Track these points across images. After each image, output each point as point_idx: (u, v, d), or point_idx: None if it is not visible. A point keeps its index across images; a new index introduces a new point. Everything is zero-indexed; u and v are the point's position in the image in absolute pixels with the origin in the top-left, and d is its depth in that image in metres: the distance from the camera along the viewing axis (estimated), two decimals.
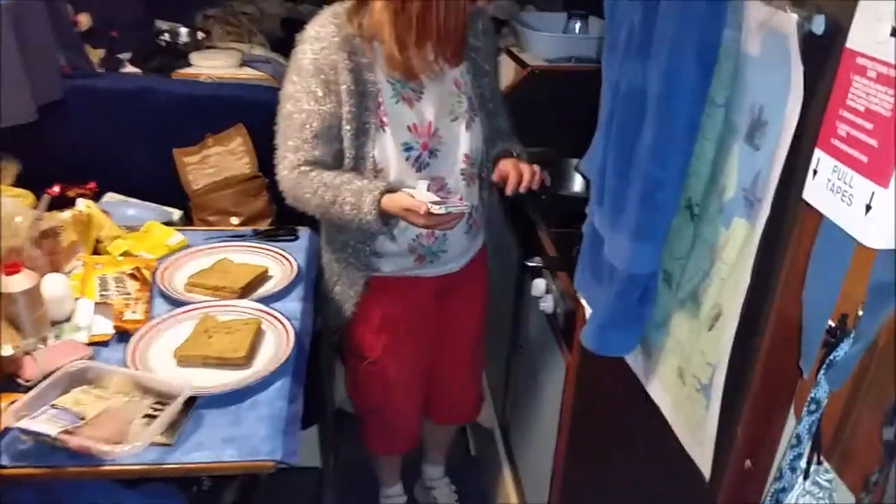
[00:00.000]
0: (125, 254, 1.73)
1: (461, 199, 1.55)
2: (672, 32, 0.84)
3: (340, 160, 1.59)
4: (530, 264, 1.71)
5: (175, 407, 1.25)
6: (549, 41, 2.31)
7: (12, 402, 1.24)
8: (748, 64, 0.84)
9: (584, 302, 1.22)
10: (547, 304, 1.69)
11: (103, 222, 1.73)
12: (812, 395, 0.61)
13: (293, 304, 1.62)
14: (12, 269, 1.40)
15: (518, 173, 1.57)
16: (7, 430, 1.21)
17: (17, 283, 1.39)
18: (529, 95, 2.29)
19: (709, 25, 0.83)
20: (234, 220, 2.20)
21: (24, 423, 1.18)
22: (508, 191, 1.57)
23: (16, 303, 1.39)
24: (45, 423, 1.19)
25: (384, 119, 1.56)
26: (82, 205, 1.81)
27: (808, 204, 0.69)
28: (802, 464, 0.62)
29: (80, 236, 1.69)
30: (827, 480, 0.61)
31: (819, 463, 0.61)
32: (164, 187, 2.24)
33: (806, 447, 0.62)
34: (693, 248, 0.95)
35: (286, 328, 1.49)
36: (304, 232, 1.92)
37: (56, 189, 2.20)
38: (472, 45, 1.65)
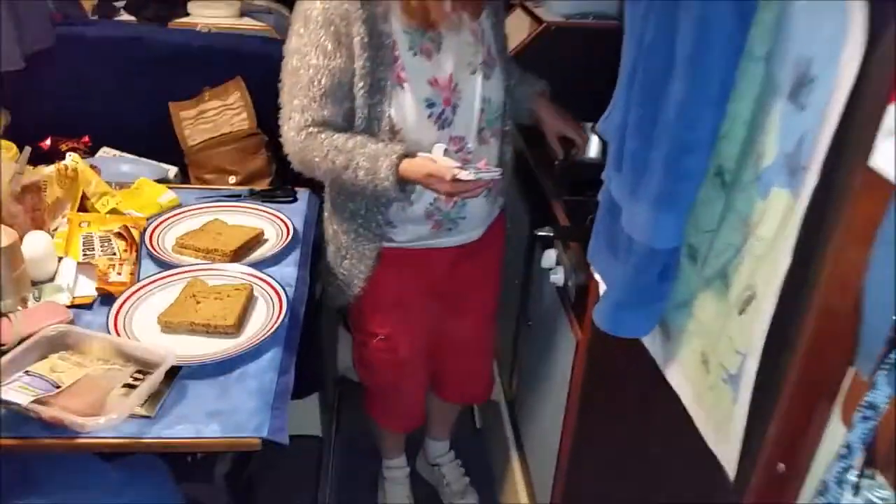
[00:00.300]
0: (113, 211, 1.65)
1: (486, 164, 1.42)
2: None
3: (351, 120, 1.47)
4: (540, 234, 1.61)
5: (156, 377, 1.17)
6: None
7: None
8: (794, 9, 0.73)
9: (597, 276, 1.12)
10: (558, 277, 1.59)
11: (90, 178, 1.64)
12: (868, 398, 0.52)
13: (288, 269, 1.53)
14: None
15: (583, 140, 1.67)
16: None
17: None
18: (544, 54, 2.16)
19: None
20: (232, 179, 2.11)
21: None
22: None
23: None
24: (17, 392, 1.12)
25: (401, 74, 1.44)
26: (69, 159, 1.71)
27: (873, 173, 0.58)
28: (852, 477, 0.53)
29: (66, 192, 1.61)
30: (882, 498, 0.52)
31: (872, 477, 0.52)
32: (160, 142, 2.14)
33: (857, 458, 0.53)
34: (723, 220, 0.85)
35: (279, 295, 1.40)
36: (303, 193, 1.83)
37: (48, 142, 2.13)
38: None
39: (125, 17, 2.26)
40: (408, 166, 1.39)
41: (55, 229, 1.57)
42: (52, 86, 2.08)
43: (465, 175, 1.34)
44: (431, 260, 1.64)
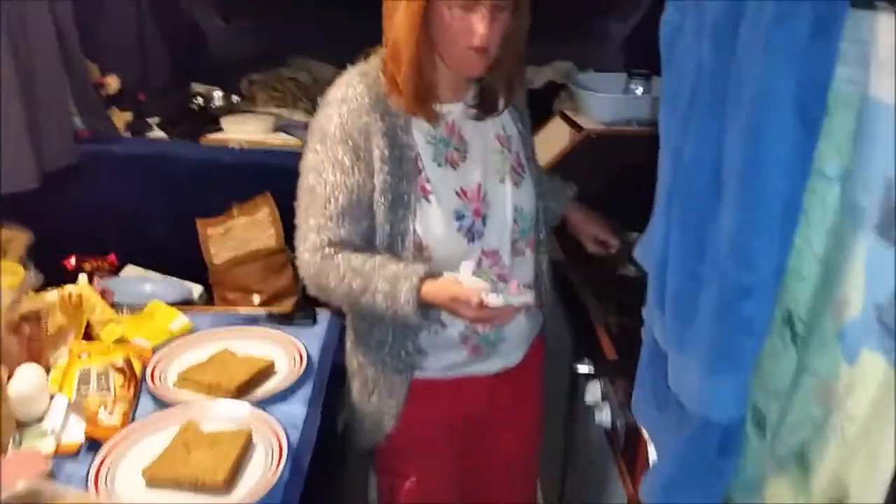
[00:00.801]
0: (119, 340, 1.53)
1: (518, 287, 1.27)
2: (759, 76, 0.58)
3: (371, 240, 1.35)
4: (581, 371, 1.41)
5: None
6: (606, 102, 2.06)
7: None
8: (878, 116, 0.56)
9: (646, 434, 0.92)
10: (603, 417, 1.39)
11: (95, 304, 1.55)
12: None
13: (296, 407, 1.38)
14: None
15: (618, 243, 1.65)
16: None
17: None
18: (585, 161, 2.04)
19: (814, 62, 0.56)
20: (256, 299, 2.00)
21: None
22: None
23: None
24: None
25: (426, 186, 1.33)
26: (80, 281, 1.63)
27: None
28: None
29: (70, 320, 1.51)
30: None
31: None
32: (188, 261, 2.07)
33: None
34: (797, 383, 0.66)
35: (280, 442, 1.24)
36: (323, 316, 1.70)
37: (72, 261, 2.07)
38: (516, 98, 1.45)
39: (158, 133, 2.24)
40: (430, 289, 1.26)
41: (56, 360, 1.46)
42: (78, 203, 2.05)
43: (493, 300, 1.19)
44: (468, 389, 1.47)
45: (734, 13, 0.62)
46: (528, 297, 1.24)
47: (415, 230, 1.33)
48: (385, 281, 1.28)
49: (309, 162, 1.35)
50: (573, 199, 1.68)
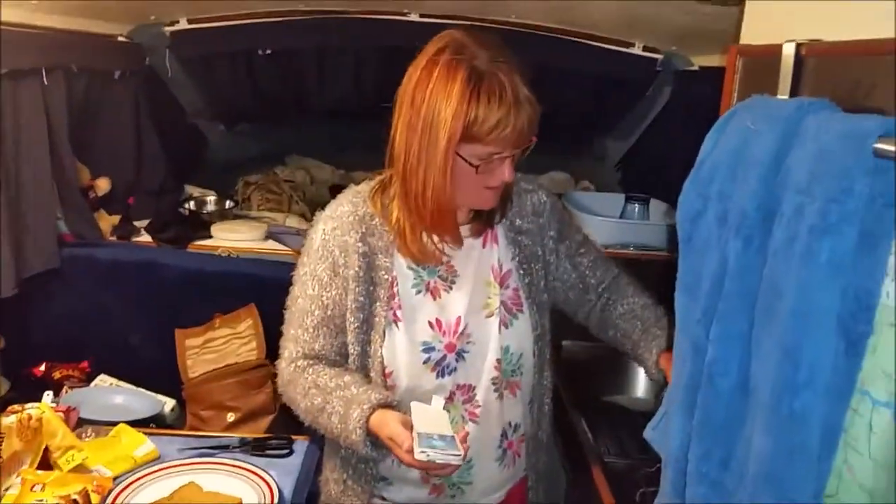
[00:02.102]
0: (79, 468, 1.42)
1: (464, 438, 1.19)
2: (798, 288, 0.52)
3: (347, 357, 1.32)
4: None
5: None
6: (604, 226, 2.04)
7: None
8: None
9: None
10: None
11: (56, 429, 1.44)
12: None
13: None
14: None
15: None
16: None
17: None
18: None
19: (860, 277, 0.50)
20: (231, 417, 1.90)
21: None
22: None
23: None
24: None
25: (398, 313, 1.29)
26: (43, 402, 1.53)
27: None
28: None
29: (26, 446, 1.40)
30: None
31: None
32: (163, 372, 2.00)
33: None
34: None
35: None
36: (300, 444, 1.59)
37: (42, 368, 1.99)
38: (518, 228, 1.37)
39: (145, 238, 2.19)
40: (375, 421, 1.19)
41: (7, 489, 1.34)
42: (55, 308, 1.99)
43: (417, 453, 1.11)
44: None
45: (767, 209, 0.57)
46: (453, 457, 1.13)
47: (382, 355, 1.29)
48: (341, 403, 1.24)
49: (297, 274, 1.36)
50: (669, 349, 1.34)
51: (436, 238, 1.31)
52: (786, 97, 0.71)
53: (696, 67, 2.35)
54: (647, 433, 0.81)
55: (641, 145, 2.69)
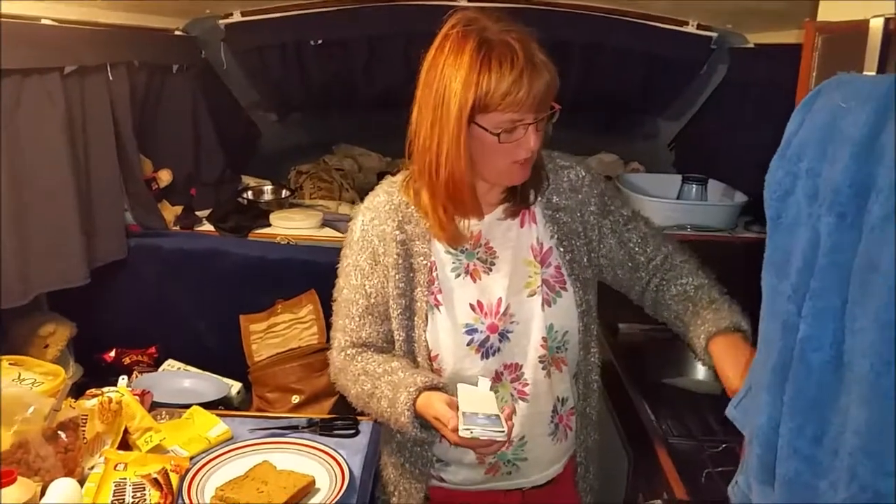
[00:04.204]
0: (156, 448, 1.48)
1: (509, 415, 1.21)
2: (893, 261, 0.52)
3: (394, 343, 1.36)
4: None
5: None
6: (660, 207, 2.02)
7: None
8: None
9: None
10: None
11: (135, 411, 1.50)
12: None
13: None
14: (5, 479, 1.15)
15: None
16: None
17: (8, 497, 1.15)
18: None
19: None
20: (295, 399, 1.95)
21: None
22: None
23: None
24: None
25: (438, 297, 1.32)
26: (120, 383, 1.59)
27: None
28: None
29: (107, 427, 1.46)
30: None
31: None
32: (228, 356, 2.05)
33: None
34: None
35: None
36: (366, 425, 1.62)
37: (112, 354, 2.06)
38: (556, 205, 1.37)
39: (207, 227, 2.25)
40: (422, 403, 1.23)
41: (91, 468, 1.41)
42: (123, 296, 2.05)
43: (462, 431, 1.14)
44: None
45: (861, 185, 0.57)
46: (497, 434, 1.15)
47: (426, 340, 1.32)
48: (389, 387, 1.28)
49: (340, 266, 1.41)
50: (721, 334, 1.27)
51: (459, 217, 1.31)
52: (873, 73, 0.70)
53: (751, 45, 2.30)
54: (730, 411, 0.81)
55: (695, 125, 2.66)
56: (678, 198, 2.12)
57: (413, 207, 1.35)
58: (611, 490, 1.73)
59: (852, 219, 0.59)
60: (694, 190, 2.11)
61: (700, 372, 1.95)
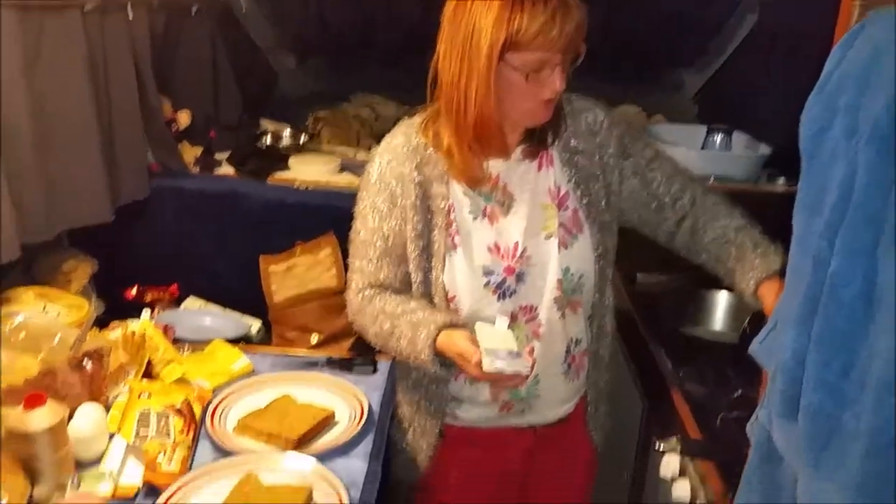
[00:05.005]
0: (179, 380, 1.51)
1: (531, 351, 1.26)
2: None
3: (411, 285, 1.38)
4: (662, 449, 1.33)
5: None
6: (684, 157, 1.98)
7: None
8: None
9: None
10: (681, 493, 1.30)
11: (158, 344, 1.52)
12: None
13: (357, 462, 1.32)
14: (35, 402, 1.18)
15: None
16: None
17: (39, 419, 1.18)
18: None
19: None
20: (314, 339, 1.98)
21: None
22: None
23: (34, 443, 1.17)
24: None
25: (455, 239, 1.33)
26: (143, 316, 1.62)
27: None
28: None
29: (131, 359, 1.49)
30: None
31: None
32: (248, 296, 2.07)
33: None
34: None
35: (342, 502, 1.18)
36: (384, 364, 1.65)
37: (133, 291, 2.08)
38: (573, 148, 1.37)
39: (227, 169, 2.25)
40: (444, 341, 1.26)
41: (115, 397, 1.44)
42: (144, 236, 2.07)
43: (486, 364, 1.17)
44: (503, 441, 1.45)
45: None
46: (522, 367, 1.19)
47: (443, 281, 1.33)
48: (409, 326, 1.30)
49: (357, 209, 1.42)
50: (770, 279, 1.27)
51: (483, 157, 1.31)
52: None
53: None
54: (753, 348, 0.81)
55: (721, 76, 2.61)
56: (702, 148, 2.09)
57: (431, 149, 1.35)
58: (623, 434, 1.75)
59: (890, 154, 0.58)
60: (718, 140, 2.08)
61: (718, 322, 1.95)
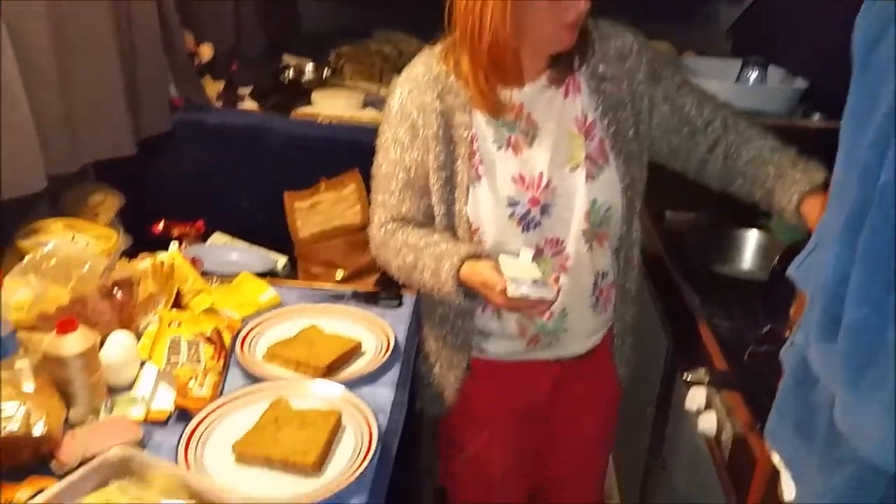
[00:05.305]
0: (208, 310, 1.52)
1: (557, 280, 1.26)
2: None
3: (434, 217, 1.36)
4: (690, 380, 1.33)
5: None
6: (717, 91, 1.91)
7: (36, 494, 1.02)
8: None
9: (778, 461, 0.84)
10: (707, 426, 1.30)
11: (187, 274, 1.53)
12: None
13: (384, 391, 1.34)
14: (67, 327, 1.20)
15: None
16: None
17: (72, 344, 1.20)
18: None
19: None
20: (339, 274, 1.98)
21: None
22: None
23: (67, 367, 1.19)
24: None
25: (479, 169, 1.30)
26: (171, 249, 1.63)
27: None
28: None
29: (160, 288, 1.50)
30: None
31: None
32: (273, 232, 2.07)
33: None
34: None
35: (370, 427, 1.20)
36: (409, 297, 1.65)
37: (160, 226, 2.09)
38: (601, 74, 1.32)
39: (249, 104, 2.23)
40: (468, 271, 1.24)
41: (145, 326, 1.46)
42: (169, 170, 2.07)
43: (512, 290, 1.16)
44: (530, 375, 1.46)
45: None
46: (547, 293, 1.19)
47: (466, 213, 1.31)
48: (432, 258, 1.29)
49: (378, 142, 1.40)
50: (812, 194, 1.23)
51: (501, 86, 1.27)
52: None
53: None
54: (792, 270, 0.79)
55: (756, 8, 2.51)
56: (736, 82, 2.03)
57: (453, 78, 1.31)
58: (648, 369, 1.76)
59: None
60: (753, 74, 2.02)
61: (747, 261, 1.93)
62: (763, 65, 2.03)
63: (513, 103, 1.31)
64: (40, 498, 1.00)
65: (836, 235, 0.67)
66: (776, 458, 0.84)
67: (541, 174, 1.30)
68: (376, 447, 1.15)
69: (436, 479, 2.23)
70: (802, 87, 2.01)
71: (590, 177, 1.31)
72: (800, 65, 2.09)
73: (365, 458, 1.13)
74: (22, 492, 1.04)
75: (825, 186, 1.19)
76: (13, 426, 1.07)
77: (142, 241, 2.04)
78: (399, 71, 2.79)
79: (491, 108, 1.29)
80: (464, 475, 1.61)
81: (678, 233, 1.94)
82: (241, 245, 2.05)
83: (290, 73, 2.44)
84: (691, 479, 1.46)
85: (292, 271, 2.05)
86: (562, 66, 1.30)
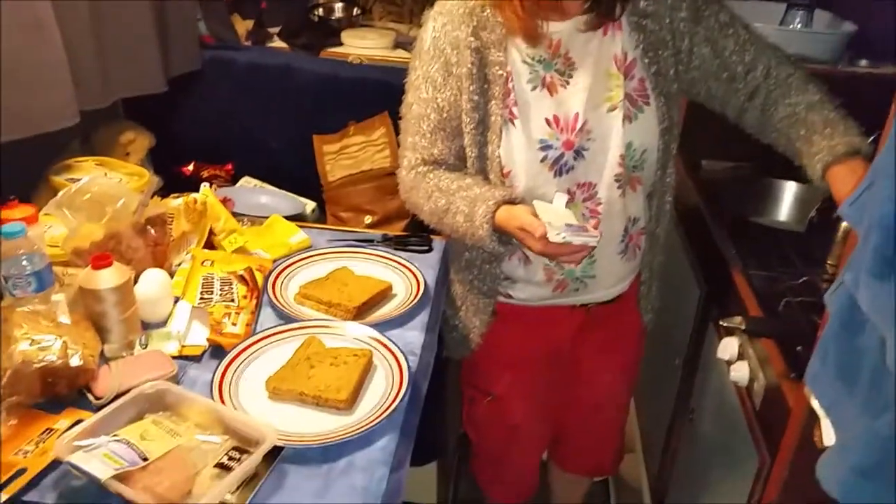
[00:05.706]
0: (240, 250, 1.53)
1: (597, 227, 1.22)
2: None
3: (466, 160, 1.33)
4: (727, 325, 1.31)
5: (252, 461, 1.00)
6: None
7: (74, 424, 1.05)
8: None
9: (818, 406, 0.83)
10: (739, 375, 1.29)
11: (220, 214, 1.54)
12: None
13: (413, 333, 1.34)
14: (102, 261, 1.21)
15: None
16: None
17: (106, 278, 1.21)
18: None
19: None
20: (368, 219, 1.98)
21: (76, 459, 0.98)
22: None
23: (102, 301, 1.21)
24: (99, 462, 0.98)
25: (513, 110, 1.26)
26: (201, 190, 1.63)
27: None
28: None
29: (193, 227, 1.51)
30: None
31: None
32: (302, 175, 2.06)
33: None
34: None
35: (401, 367, 1.21)
36: (438, 243, 1.64)
37: (190, 167, 2.09)
38: (643, 11, 1.26)
39: (278, 43, 2.20)
40: (503, 216, 1.21)
41: (178, 265, 1.47)
42: (199, 110, 2.05)
43: (552, 236, 1.12)
44: (556, 320, 1.45)
45: None
46: (590, 239, 1.15)
47: (499, 155, 1.27)
48: (465, 202, 1.25)
49: (409, 80, 1.35)
50: (842, 160, 1.15)
51: (539, 17, 1.22)
52: None
53: None
54: (844, 210, 0.77)
55: None
56: (780, 25, 1.95)
57: (489, 11, 1.26)
58: (677, 318, 1.74)
59: None
60: (798, 17, 1.94)
61: (783, 212, 1.89)
62: (808, 7, 1.95)
63: (550, 40, 1.26)
64: (77, 429, 1.02)
65: (892, 171, 0.65)
66: (815, 404, 0.83)
67: (576, 115, 1.26)
68: (407, 387, 1.16)
69: (459, 427, 2.27)
70: (850, 30, 1.93)
71: (627, 118, 1.27)
72: (848, 8, 2.01)
73: (396, 397, 1.14)
74: (60, 422, 1.07)
75: (854, 152, 1.14)
76: (51, 357, 1.09)
77: (172, 185, 2.05)
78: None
79: (527, 35, 1.23)
80: (486, 421, 1.62)
81: (714, 182, 1.91)
82: (271, 189, 2.04)
83: (320, 12, 2.39)
84: (718, 430, 1.46)
85: (321, 216, 2.05)
86: (602, 11, 1.24)
